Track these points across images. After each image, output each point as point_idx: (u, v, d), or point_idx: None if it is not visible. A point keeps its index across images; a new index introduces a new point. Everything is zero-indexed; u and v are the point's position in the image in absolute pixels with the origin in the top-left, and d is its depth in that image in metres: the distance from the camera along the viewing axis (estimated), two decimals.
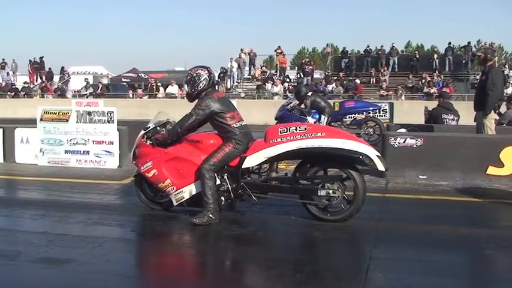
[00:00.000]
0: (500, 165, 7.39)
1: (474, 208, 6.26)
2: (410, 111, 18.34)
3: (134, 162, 5.83)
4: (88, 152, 9.16)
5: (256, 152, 5.23)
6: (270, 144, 5.17)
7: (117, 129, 9.04)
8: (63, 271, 4.00)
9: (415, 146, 7.73)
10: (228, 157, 5.22)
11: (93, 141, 9.12)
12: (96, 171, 8.65)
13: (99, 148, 9.10)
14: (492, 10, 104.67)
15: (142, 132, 5.74)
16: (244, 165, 5.27)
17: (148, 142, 5.60)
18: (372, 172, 5.26)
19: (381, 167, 5.06)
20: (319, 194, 5.17)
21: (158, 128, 5.65)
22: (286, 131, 5.14)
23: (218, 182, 5.27)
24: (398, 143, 7.79)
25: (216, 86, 5.38)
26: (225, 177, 5.31)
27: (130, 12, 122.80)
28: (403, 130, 9.56)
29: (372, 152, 5.05)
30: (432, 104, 12.35)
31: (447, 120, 10.38)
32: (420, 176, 7.65)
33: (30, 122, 10.11)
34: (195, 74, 5.38)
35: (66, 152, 9.26)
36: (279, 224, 5.41)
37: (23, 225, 5.51)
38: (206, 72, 5.40)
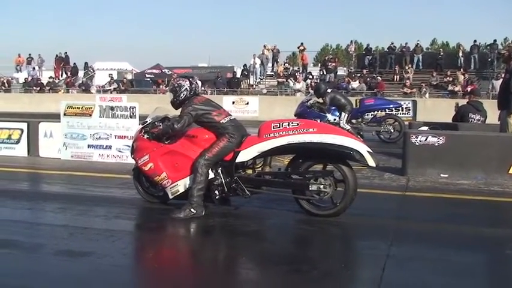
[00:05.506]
0: None
1: (496, 208, 6.19)
2: (434, 109, 18.19)
3: (132, 156, 5.94)
4: (110, 147, 9.29)
5: (249, 146, 5.33)
6: (262, 139, 5.27)
7: (139, 124, 9.12)
8: (83, 263, 4.06)
9: (436, 144, 7.63)
10: (224, 151, 5.33)
11: (115, 136, 9.25)
12: (118, 166, 8.73)
13: (121, 143, 9.21)
14: None
15: (140, 126, 5.86)
16: (237, 160, 5.37)
17: (146, 136, 5.72)
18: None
19: (371, 162, 5.12)
20: (310, 188, 5.21)
21: (156, 123, 5.74)
22: (279, 127, 5.23)
23: (212, 176, 5.36)
24: (420, 141, 7.70)
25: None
26: (219, 171, 5.40)
27: (156, 9, 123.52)
28: (425, 128, 9.46)
29: (362, 148, 5.10)
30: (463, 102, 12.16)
31: (473, 119, 10.25)
32: (441, 175, 7.56)
33: (54, 117, 10.26)
34: (176, 85, 5.60)
35: (89, 146, 9.40)
36: (295, 220, 5.42)
37: (45, 218, 5.61)
38: (187, 82, 5.57)
